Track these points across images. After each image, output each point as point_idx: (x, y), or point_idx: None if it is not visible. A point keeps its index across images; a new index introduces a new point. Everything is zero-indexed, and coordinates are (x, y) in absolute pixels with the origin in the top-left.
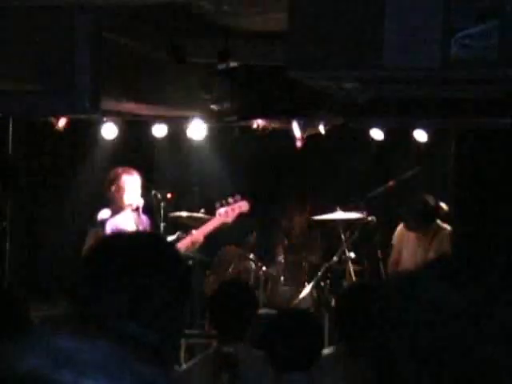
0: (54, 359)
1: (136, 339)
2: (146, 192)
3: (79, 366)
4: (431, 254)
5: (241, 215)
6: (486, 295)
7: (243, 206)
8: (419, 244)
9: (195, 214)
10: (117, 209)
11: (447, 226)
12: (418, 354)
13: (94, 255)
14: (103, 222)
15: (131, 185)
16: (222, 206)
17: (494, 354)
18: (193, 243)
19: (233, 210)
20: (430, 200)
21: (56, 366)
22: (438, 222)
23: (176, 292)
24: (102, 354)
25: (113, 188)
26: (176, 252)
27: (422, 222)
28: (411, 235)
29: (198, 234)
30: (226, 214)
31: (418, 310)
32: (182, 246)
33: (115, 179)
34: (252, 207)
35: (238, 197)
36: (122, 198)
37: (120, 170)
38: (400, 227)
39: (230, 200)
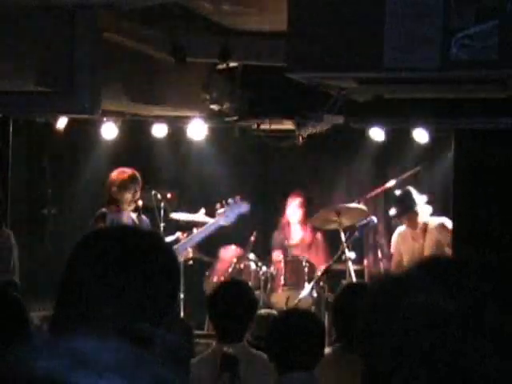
0: (71, 361)
1: (150, 340)
2: (146, 192)
3: (96, 367)
4: (426, 249)
5: (240, 216)
6: (475, 300)
7: (243, 207)
8: (414, 242)
9: (194, 218)
10: (117, 209)
11: (436, 219)
12: (404, 358)
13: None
14: (104, 218)
15: (132, 186)
16: (221, 206)
17: (484, 359)
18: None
19: (233, 211)
20: (409, 190)
21: (72, 367)
22: (428, 217)
23: (164, 287)
24: (119, 356)
25: (114, 188)
26: (166, 246)
27: (398, 208)
28: (407, 236)
29: (197, 236)
30: (225, 215)
31: (403, 313)
32: (183, 246)
33: (117, 180)
34: (252, 207)
35: (237, 198)
36: (123, 198)
37: (121, 170)
38: (396, 232)
39: (230, 201)
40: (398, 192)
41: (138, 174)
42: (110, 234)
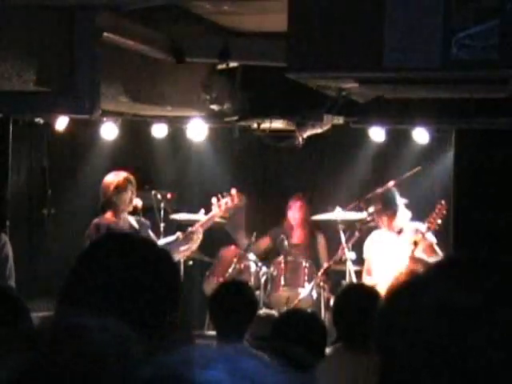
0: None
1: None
2: (145, 192)
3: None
4: (397, 254)
5: (241, 211)
6: (487, 296)
7: (238, 199)
8: (388, 246)
9: (195, 217)
10: (113, 215)
11: (412, 224)
12: (419, 357)
13: (83, 258)
14: (98, 229)
15: (129, 186)
16: (218, 200)
17: (495, 356)
18: (193, 237)
19: (228, 203)
20: (391, 189)
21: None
22: (406, 222)
23: (163, 292)
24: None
25: (111, 192)
26: (163, 252)
27: (378, 206)
28: (381, 239)
29: (196, 228)
30: (221, 207)
31: (422, 311)
32: (183, 241)
33: (112, 183)
34: (252, 207)
35: (233, 191)
36: (120, 200)
37: (115, 173)
38: (370, 236)
39: (225, 194)
40: (379, 190)
41: (131, 176)
42: (108, 245)
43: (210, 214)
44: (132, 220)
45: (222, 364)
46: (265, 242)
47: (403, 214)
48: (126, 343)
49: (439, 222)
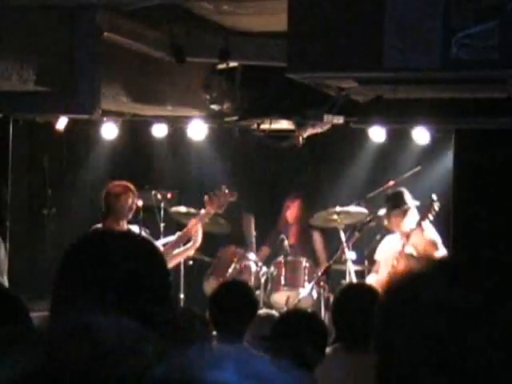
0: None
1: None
2: (145, 192)
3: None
4: (402, 253)
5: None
6: (487, 296)
7: (230, 195)
8: (397, 247)
9: (193, 210)
10: (116, 219)
11: (420, 230)
12: (418, 354)
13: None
14: None
15: (129, 193)
16: (209, 198)
17: (495, 355)
18: (191, 231)
19: (220, 200)
20: (401, 190)
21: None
22: (411, 225)
23: (161, 292)
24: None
25: (112, 199)
26: (153, 249)
27: (387, 206)
28: (395, 241)
29: (193, 221)
30: (214, 204)
31: (420, 305)
32: (182, 237)
33: (112, 190)
34: (252, 207)
35: (223, 187)
36: (121, 207)
37: (116, 183)
38: (383, 241)
39: (217, 192)
40: (389, 191)
41: (131, 185)
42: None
43: (204, 212)
44: (132, 228)
45: (232, 364)
46: (264, 252)
47: (413, 216)
48: (138, 343)
49: (430, 217)
